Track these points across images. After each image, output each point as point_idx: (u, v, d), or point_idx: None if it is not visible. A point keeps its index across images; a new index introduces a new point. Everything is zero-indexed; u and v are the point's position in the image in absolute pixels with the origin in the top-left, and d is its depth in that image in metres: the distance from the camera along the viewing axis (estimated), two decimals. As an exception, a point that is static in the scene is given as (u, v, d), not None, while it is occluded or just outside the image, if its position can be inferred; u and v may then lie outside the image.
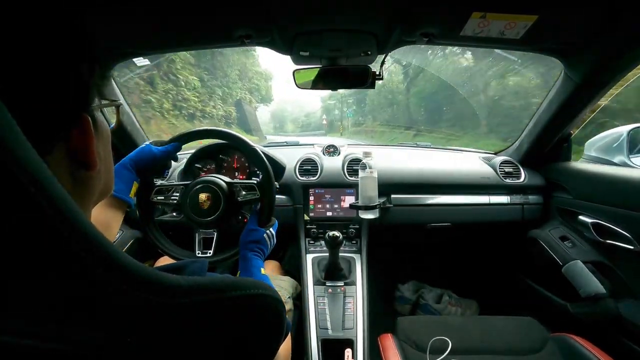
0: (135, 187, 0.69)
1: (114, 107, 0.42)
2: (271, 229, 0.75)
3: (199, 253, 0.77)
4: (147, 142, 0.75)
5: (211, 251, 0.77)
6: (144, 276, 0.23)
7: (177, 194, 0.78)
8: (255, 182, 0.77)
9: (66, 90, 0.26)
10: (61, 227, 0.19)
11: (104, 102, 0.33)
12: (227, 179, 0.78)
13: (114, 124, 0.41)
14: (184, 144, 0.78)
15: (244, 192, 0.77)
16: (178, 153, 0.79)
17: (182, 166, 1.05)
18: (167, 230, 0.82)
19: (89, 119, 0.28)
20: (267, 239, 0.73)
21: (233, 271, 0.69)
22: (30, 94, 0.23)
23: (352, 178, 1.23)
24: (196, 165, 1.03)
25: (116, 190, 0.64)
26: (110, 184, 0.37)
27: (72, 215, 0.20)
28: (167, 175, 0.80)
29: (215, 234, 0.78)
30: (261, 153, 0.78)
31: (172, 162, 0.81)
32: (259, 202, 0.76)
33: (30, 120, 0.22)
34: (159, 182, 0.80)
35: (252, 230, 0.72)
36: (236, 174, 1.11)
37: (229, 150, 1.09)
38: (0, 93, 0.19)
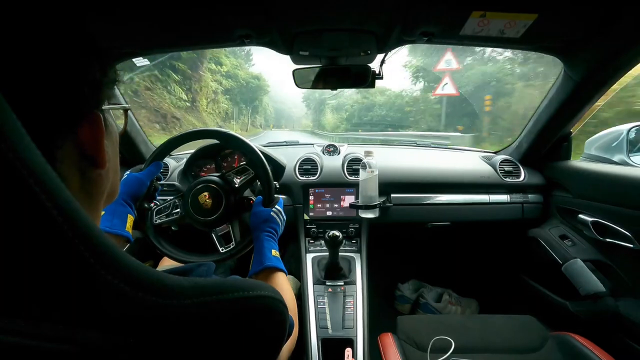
0: (130, 220, 0.70)
1: (121, 112, 0.43)
2: (277, 207, 0.75)
3: (223, 249, 0.77)
4: (127, 172, 0.76)
5: (233, 243, 0.78)
6: (146, 277, 0.23)
7: (178, 209, 0.79)
8: (244, 163, 0.78)
9: (77, 86, 0.26)
10: (65, 227, 0.19)
11: (112, 105, 0.34)
12: (218, 173, 0.79)
13: (122, 129, 0.41)
14: (164, 159, 0.80)
15: (238, 178, 0.78)
16: (177, 154, 0.79)
17: (182, 167, 1.05)
18: (167, 231, 0.82)
19: (101, 115, 0.29)
20: (274, 216, 0.73)
21: (233, 272, 0.69)
22: (40, 89, 0.23)
23: (352, 177, 1.23)
24: (195, 166, 1.03)
25: (112, 226, 0.65)
26: (116, 187, 0.37)
27: (75, 216, 0.20)
28: (157, 196, 0.82)
29: (230, 227, 0.79)
30: (239, 136, 0.79)
31: (173, 162, 0.81)
32: (255, 180, 0.77)
33: (40, 114, 0.23)
34: (152, 205, 0.80)
35: (258, 211, 0.73)
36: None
37: (228, 150, 1.09)
38: (8, 90, 0.19)
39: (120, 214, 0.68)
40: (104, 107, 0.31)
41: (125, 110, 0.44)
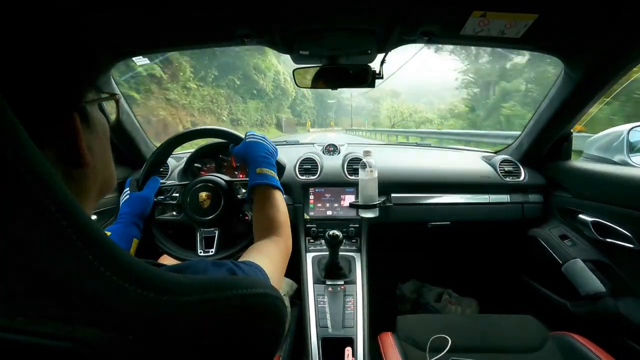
0: (135, 243, 0.71)
1: (113, 103, 0.41)
2: (247, 135, 0.74)
3: (201, 252, 0.77)
4: (128, 192, 0.76)
5: (213, 250, 0.78)
6: (145, 274, 0.23)
7: (177, 194, 0.79)
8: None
9: (50, 87, 0.26)
10: (64, 224, 0.19)
11: (102, 95, 0.33)
12: (227, 178, 0.78)
13: (113, 121, 0.40)
14: (161, 167, 0.81)
15: (243, 190, 0.78)
16: (178, 153, 0.80)
17: (182, 165, 1.05)
18: (167, 229, 0.82)
19: (76, 115, 0.28)
20: (251, 140, 0.72)
21: None
22: (13, 91, 0.22)
23: (352, 177, 1.23)
24: (196, 164, 1.03)
25: None
26: (110, 181, 0.36)
27: (74, 213, 0.20)
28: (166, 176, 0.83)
29: (217, 232, 0.78)
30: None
31: (173, 162, 0.81)
32: None
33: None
34: (165, 182, 0.80)
35: (236, 152, 0.72)
36: (236, 172, 1.11)
37: (228, 149, 1.09)
38: None
39: (127, 237, 0.69)
40: (91, 100, 0.31)
41: (117, 101, 0.41)
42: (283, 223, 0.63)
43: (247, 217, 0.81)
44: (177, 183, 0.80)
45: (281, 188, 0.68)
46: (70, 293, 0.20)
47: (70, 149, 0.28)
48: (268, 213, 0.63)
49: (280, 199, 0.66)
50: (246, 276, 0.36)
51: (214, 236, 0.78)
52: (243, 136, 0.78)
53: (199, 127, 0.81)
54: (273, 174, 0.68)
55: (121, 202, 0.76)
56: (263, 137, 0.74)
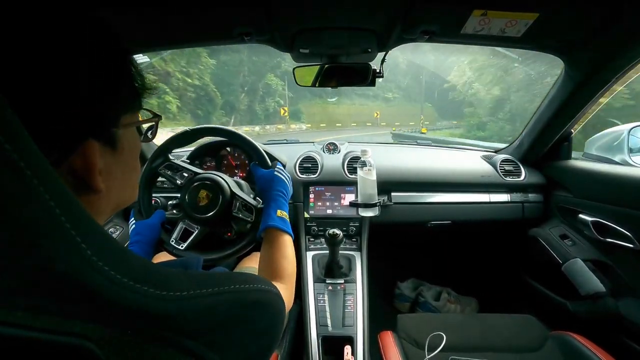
0: None
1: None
2: (278, 166, 0.75)
3: (172, 241, 0.77)
4: (132, 219, 0.77)
5: (185, 244, 0.77)
6: (144, 269, 0.23)
7: (185, 177, 0.79)
8: (255, 204, 0.77)
9: (64, 117, 0.25)
10: (63, 219, 0.19)
11: (141, 116, 0.33)
12: (236, 189, 0.77)
13: (150, 136, 0.40)
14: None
15: (242, 208, 0.76)
16: (178, 151, 0.80)
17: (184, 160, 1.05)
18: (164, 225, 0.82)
19: (95, 145, 0.27)
20: (278, 175, 0.73)
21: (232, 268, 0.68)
22: (29, 116, 0.21)
23: (352, 176, 1.23)
24: (196, 162, 1.03)
25: None
26: (126, 199, 0.36)
27: (74, 211, 0.20)
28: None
29: (196, 230, 0.78)
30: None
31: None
32: (248, 224, 0.76)
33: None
34: (177, 160, 0.80)
35: (262, 174, 0.73)
36: (236, 171, 1.11)
37: (229, 148, 1.09)
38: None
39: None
40: (129, 122, 0.31)
41: (157, 122, 0.40)
42: (290, 273, 0.61)
43: (229, 234, 0.81)
44: (189, 166, 0.80)
45: (292, 234, 0.67)
46: (69, 288, 0.20)
47: (85, 177, 0.27)
48: (276, 259, 0.61)
49: (290, 247, 0.65)
50: (242, 273, 0.36)
51: (193, 232, 0.78)
52: (268, 160, 0.79)
53: (228, 128, 0.82)
54: (288, 218, 0.68)
55: (130, 232, 0.75)
56: (289, 177, 0.75)
